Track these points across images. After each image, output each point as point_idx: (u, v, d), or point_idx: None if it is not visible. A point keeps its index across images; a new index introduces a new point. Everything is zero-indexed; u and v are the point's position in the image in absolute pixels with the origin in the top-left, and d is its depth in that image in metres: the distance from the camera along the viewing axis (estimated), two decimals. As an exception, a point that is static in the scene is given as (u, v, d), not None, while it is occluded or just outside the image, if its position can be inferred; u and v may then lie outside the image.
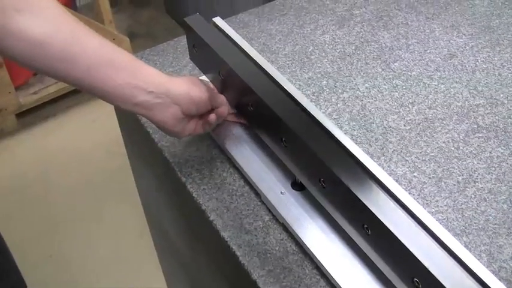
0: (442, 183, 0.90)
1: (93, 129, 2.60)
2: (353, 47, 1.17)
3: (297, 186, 0.88)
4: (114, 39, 2.62)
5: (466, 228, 0.84)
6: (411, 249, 0.64)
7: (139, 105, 0.80)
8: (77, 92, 2.64)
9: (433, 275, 0.62)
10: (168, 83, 0.81)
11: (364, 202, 0.69)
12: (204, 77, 1.01)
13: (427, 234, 0.68)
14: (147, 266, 2.06)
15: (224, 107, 0.91)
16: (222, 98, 0.91)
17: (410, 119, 1.00)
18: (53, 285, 2.12)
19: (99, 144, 2.55)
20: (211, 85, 0.94)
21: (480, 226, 0.84)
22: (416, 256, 0.64)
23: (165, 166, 0.98)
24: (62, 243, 2.25)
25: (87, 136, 2.60)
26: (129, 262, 2.16)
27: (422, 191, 0.89)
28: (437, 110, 1.02)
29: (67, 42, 0.75)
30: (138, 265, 2.13)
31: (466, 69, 1.11)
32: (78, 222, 2.32)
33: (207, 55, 0.95)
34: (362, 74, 1.10)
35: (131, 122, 1.11)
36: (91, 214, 2.33)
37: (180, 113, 0.83)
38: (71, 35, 0.75)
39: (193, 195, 0.91)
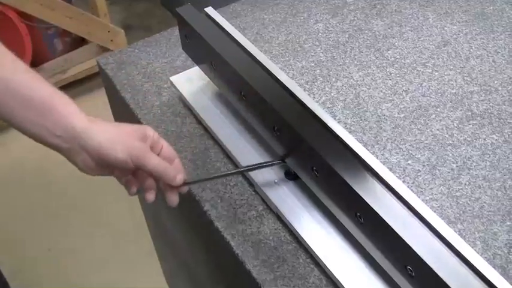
0: (437, 171, 0.90)
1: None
2: (346, 36, 1.16)
3: (290, 175, 0.87)
4: (109, 31, 2.61)
5: (460, 215, 0.84)
6: (403, 237, 0.64)
7: (49, 146, 0.74)
8: (71, 85, 2.64)
9: (425, 263, 0.62)
10: (81, 129, 0.72)
11: (356, 190, 0.69)
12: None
13: (420, 222, 0.67)
14: (145, 259, 2.05)
15: (150, 181, 0.78)
16: (155, 165, 0.74)
17: (404, 107, 1.00)
18: (52, 279, 2.12)
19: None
20: (156, 143, 0.79)
21: (475, 213, 0.84)
22: (409, 244, 0.64)
23: (159, 157, 0.98)
24: (61, 237, 2.25)
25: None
26: (127, 255, 2.16)
27: (416, 179, 0.89)
28: (431, 97, 1.02)
29: None
30: (136, 258, 2.13)
31: (460, 56, 1.10)
32: (76, 216, 2.32)
33: (199, 45, 0.94)
34: (356, 62, 1.10)
35: (125, 114, 1.11)
36: (89, 207, 2.33)
37: (92, 163, 0.74)
38: None
39: (187, 186, 0.91)
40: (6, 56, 0.74)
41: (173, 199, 0.78)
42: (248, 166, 0.84)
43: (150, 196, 0.78)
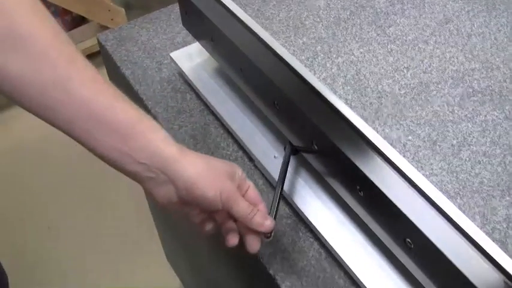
0: (437, 147, 0.90)
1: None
2: (348, 12, 1.16)
3: (290, 150, 0.87)
4: (109, 10, 2.60)
5: (460, 190, 0.84)
6: (403, 210, 0.64)
7: (128, 174, 0.66)
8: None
9: (424, 235, 0.62)
10: (171, 159, 0.65)
11: (356, 163, 0.69)
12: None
13: (420, 196, 0.67)
14: (145, 236, 2.06)
15: (231, 223, 0.72)
16: (243, 208, 0.68)
17: (405, 83, 1.00)
18: (51, 257, 2.13)
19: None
20: (243, 183, 0.72)
21: (474, 188, 0.84)
22: (408, 216, 0.64)
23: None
24: (60, 215, 2.25)
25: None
26: (127, 233, 2.17)
27: (416, 155, 0.89)
28: (432, 74, 1.02)
29: (48, 86, 0.61)
30: (136, 236, 2.14)
31: (462, 34, 1.10)
32: (76, 195, 2.32)
33: (199, 21, 0.94)
34: (357, 39, 1.09)
35: (125, 91, 1.10)
36: (89, 185, 2.33)
37: (175, 197, 0.67)
38: (55, 79, 0.61)
39: (187, 160, 0.91)
40: (87, 71, 0.65)
41: (255, 245, 0.71)
42: (280, 177, 0.76)
43: (234, 240, 0.71)
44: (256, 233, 0.70)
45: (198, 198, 0.66)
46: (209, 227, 0.72)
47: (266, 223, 0.68)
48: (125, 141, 0.64)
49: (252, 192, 0.73)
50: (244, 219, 0.68)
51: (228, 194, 0.67)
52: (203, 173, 0.66)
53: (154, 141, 0.65)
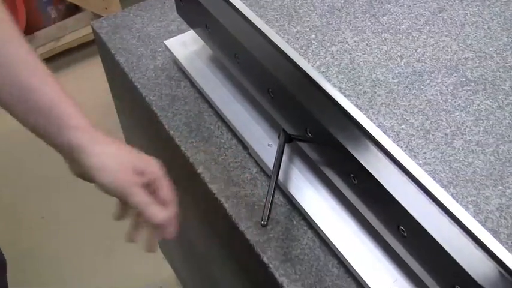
0: (430, 136, 0.90)
1: (85, 89, 2.58)
2: (342, 1, 1.16)
3: (284, 138, 0.87)
4: (103, -2, 2.60)
5: (453, 179, 0.84)
6: (396, 197, 0.65)
7: (54, 148, 0.76)
8: (66, 53, 2.62)
9: (418, 223, 0.63)
10: (79, 147, 0.72)
11: (350, 151, 0.69)
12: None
13: (414, 184, 0.67)
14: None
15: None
16: (138, 200, 0.72)
17: (398, 72, 1.00)
18: (45, 247, 2.13)
19: (91, 103, 2.53)
20: (158, 181, 0.75)
21: (467, 178, 0.84)
22: (402, 204, 0.64)
23: (153, 120, 0.98)
24: (54, 204, 2.25)
25: (79, 96, 2.57)
26: (121, 222, 2.16)
27: (410, 143, 0.89)
28: (425, 63, 1.02)
29: None
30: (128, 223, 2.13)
31: (455, 23, 1.10)
32: (70, 183, 2.30)
33: (194, 8, 0.94)
34: (351, 27, 1.09)
35: (119, 78, 1.10)
36: (82, 175, 2.33)
37: (90, 179, 0.74)
38: None
39: (182, 148, 0.91)
40: (29, 55, 0.73)
41: (151, 243, 0.79)
42: (275, 165, 0.79)
43: (132, 236, 0.81)
44: (156, 232, 0.76)
45: (98, 184, 0.72)
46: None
47: (160, 215, 0.72)
48: (45, 122, 0.72)
49: (165, 191, 0.75)
50: (140, 210, 0.72)
51: (125, 185, 0.71)
52: (105, 163, 0.71)
53: (66, 128, 0.71)
